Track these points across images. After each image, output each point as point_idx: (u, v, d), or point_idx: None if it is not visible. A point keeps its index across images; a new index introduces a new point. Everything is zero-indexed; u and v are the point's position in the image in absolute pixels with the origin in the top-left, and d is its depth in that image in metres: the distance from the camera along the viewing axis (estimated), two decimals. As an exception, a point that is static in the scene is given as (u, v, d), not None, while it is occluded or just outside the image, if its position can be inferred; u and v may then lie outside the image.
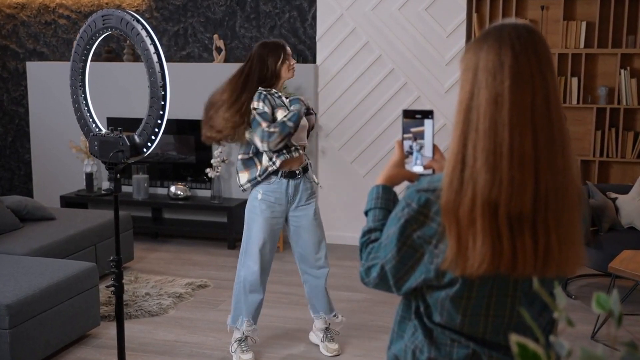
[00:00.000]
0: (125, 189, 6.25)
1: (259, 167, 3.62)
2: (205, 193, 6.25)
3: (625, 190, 5.09)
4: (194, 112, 6.16)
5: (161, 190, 6.37)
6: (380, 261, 1.48)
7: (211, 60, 6.30)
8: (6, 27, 6.87)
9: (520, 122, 1.31)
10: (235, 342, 3.81)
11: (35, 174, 6.76)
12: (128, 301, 4.54)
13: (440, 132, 5.44)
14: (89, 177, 6.33)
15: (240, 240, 5.97)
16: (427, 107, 5.45)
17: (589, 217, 4.66)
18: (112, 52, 6.53)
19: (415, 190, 1.42)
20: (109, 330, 4.11)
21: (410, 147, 1.60)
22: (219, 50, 6.20)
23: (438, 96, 5.75)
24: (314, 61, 6.02)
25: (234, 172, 6.15)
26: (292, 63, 3.64)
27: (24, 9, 6.80)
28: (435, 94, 5.76)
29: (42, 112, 6.64)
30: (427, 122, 1.59)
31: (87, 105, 2.99)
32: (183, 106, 6.07)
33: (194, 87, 6.12)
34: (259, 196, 3.65)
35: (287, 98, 3.68)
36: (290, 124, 3.50)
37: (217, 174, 5.99)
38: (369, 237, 1.54)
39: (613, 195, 5.03)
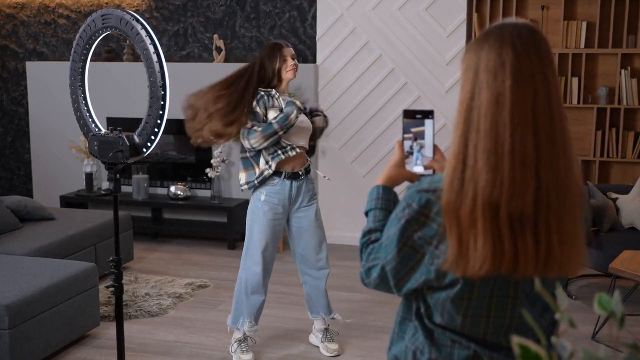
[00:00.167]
0: (125, 189, 6.24)
1: (256, 170, 3.62)
2: (205, 193, 6.24)
3: (625, 190, 5.08)
4: (194, 112, 6.16)
5: (161, 190, 6.36)
6: (380, 262, 1.47)
7: (211, 60, 6.30)
8: (6, 27, 6.86)
9: (521, 122, 1.31)
10: (235, 342, 3.80)
11: (35, 174, 6.76)
12: (128, 301, 4.53)
13: (441, 132, 5.44)
14: (89, 177, 6.32)
15: (240, 240, 6.00)
16: (427, 107, 5.45)
17: (590, 217, 4.66)
18: (112, 52, 6.52)
19: (415, 190, 1.41)
20: (109, 330, 4.10)
21: (411, 147, 1.59)
22: (219, 50, 6.20)
23: (438, 96, 5.75)
24: (314, 61, 6.01)
25: (234, 172, 6.15)
26: (290, 64, 3.62)
27: (23, 8, 6.79)
28: (435, 94, 5.76)
29: (41, 112, 6.63)
30: (428, 122, 1.59)
31: (86, 105, 2.99)
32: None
33: (194, 87, 6.08)
34: (262, 197, 3.65)
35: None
36: (275, 125, 3.50)
37: (217, 174, 5.99)
38: (369, 238, 1.53)
39: (613, 195, 5.02)
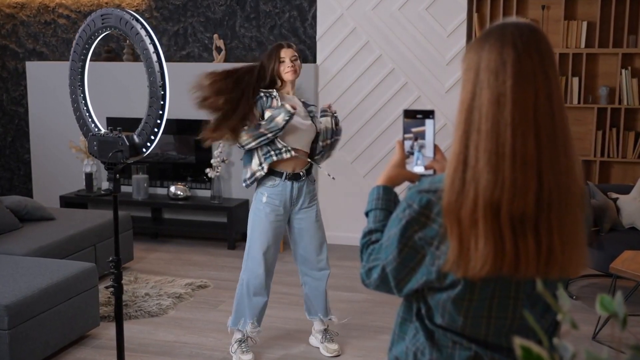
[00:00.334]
0: (125, 189, 6.23)
1: (248, 170, 3.62)
2: (205, 193, 6.23)
3: (626, 190, 5.08)
4: (194, 112, 6.13)
5: (161, 191, 6.36)
6: (381, 263, 1.46)
7: (211, 60, 6.29)
8: (6, 27, 6.86)
9: (522, 122, 1.30)
10: (235, 342, 3.80)
11: (35, 174, 6.75)
12: (128, 301, 4.53)
13: (441, 132, 5.43)
14: (89, 177, 6.32)
15: (240, 240, 5.99)
16: (427, 107, 5.44)
17: (591, 218, 4.65)
18: (111, 51, 6.52)
19: (416, 191, 1.40)
20: (109, 330, 4.10)
21: (411, 147, 1.58)
22: (219, 50, 6.19)
23: (438, 96, 5.74)
24: (314, 61, 6.01)
25: (234, 172, 6.15)
26: (287, 65, 3.61)
27: (23, 8, 6.79)
28: (435, 94, 5.75)
29: (41, 112, 6.62)
30: (428, 122, 1.58)
31: (86, 105, 2.98)
32: (183, 106, 6.01)
33: (193, 87, 6.09)
34: (264, 199, 3.64)
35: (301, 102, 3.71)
36: (261, 127, 3.50)
37: (217, 174, 5.98)
38: (370, 239, 1.53)
39: (614, 195, 5.02)
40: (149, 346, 3.97)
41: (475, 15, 5.69)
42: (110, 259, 2.90)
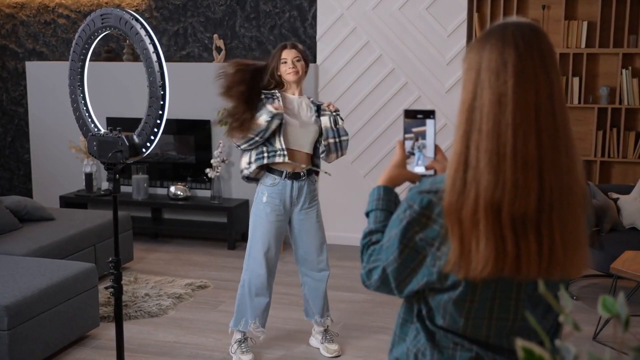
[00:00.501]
0: (124, 189, 6.23)
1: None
2: (205, 193, 6.23)
3: (626, 190, 5.07)
4: (194, 112, 6.16)
5: (161, 191, 6.35)
6: (381, 263, 1.46)
7: (211, 60, 6.28)
8: (5, 27, 6.85)
9: (524, 122, 1.29)
10: (235, 342, 3.80)
11: (35, 174, 6.75)
12: (127, 302, 4.52)
13: (441, 132, 5.43)
14: (89, 177, 6.31)
15: (240, 240, 5.99)
16: (428, 107, 5.43)
17: (593, 218, 4.64)
18: (111, 51, 6.51)
19: (417, 191, 1.40)
20: (108, 331, 4.09)
21: (412, 147, 1.58)
22: (218, 50, 6.18)
23: (439, 96, 5.73)
24: (314, 61, 6.00)
25: (234, 172, 6.14)
26: (288, 65, 3.60)
27: (23, 8, 6.78)
28: (435, 93, 5.74)
29: (41, 112, 6.62)
30: (429, 122, 1.57)
31: (85, 105, 2.97)
32: (183, 106, 6.05)
33: (193, 87, 6.10)
34: (264, 199, 3.64)
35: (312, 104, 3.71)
36: (249, 131, 3.52)
37: (217, 174, 5.97)
38: (370, 239, 1.52)
39: (614, 195, 5.01)
40: (149, 347, 3.96)
41: (475, 15, 5.68)
42: (110, 259, 2.89)
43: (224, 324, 4.17)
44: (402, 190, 1.46)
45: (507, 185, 1.29)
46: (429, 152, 1.57)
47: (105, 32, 2.85)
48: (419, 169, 1.57)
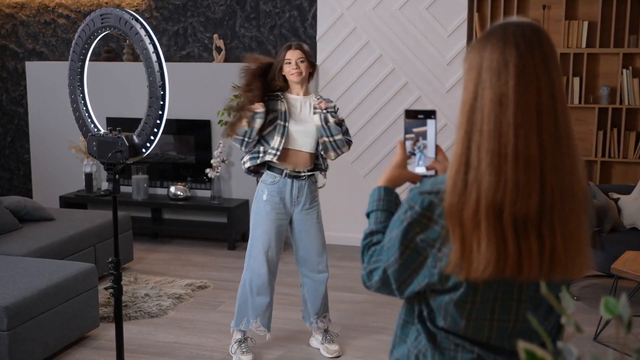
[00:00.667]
0: (124, 189, 6.22)
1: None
2: (205, 193, 6.22)
3: (627, 190, 5.07)
4: (194, 112, 6.15)
5: (161, 191, 6.34)
6: (382, 264, 1.45)
7: (211, 60, 6.28)
8: (5, 27, 6.85)
9: (525, 123, 1.29)
10: (235, 343, 3.80)
11: (35, 174, 6.74)
12: (127, 302, 4.52)
13: (441, 132, 5.42)
14: (89, 177, 6.30)
15: (240, 241, 5.98)
16: (428, 107, 5.43)
17: (594, 219, 4.63)
18: (111, 51, 6.50)
19: (418, 192, 1.39)
20: (108, 331, 4.09)
21: (413, 147, 1.57)
22: (218, 50, 6.18)
23: (439, 96, 5.73)
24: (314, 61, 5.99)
25: (234, 172, 6.14)
26: (293, 66, 3.59)
27: (23, 8, 6.77)
28: (436, 94, 5.74)
29: (41, 112, 6.61)
30: (430, 123, 1.56)
31: (85, 105, 2.97)
32: (183, 106, 6.05)
33: (193, 87, 6.10)
34: (264, 197, 3.65)
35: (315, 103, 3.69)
36: (237, 133, 3.57)
37: (217, 174, 5.97)
38: (371, 240, 1.51)
39: (615, 195, 5.00)
40: (149, 347, 3.96)
41: (475, 15, 5.67)
42: (110, 260, 2.89)
43: (224, 325, 4.16)
44: (403, 191, 1.46)
45: (509, 186, 1.28)
46: (430, 152, 1.56)
47: (105, 32, 2.84)
48: (420, 170, 1.57)
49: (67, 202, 6.26)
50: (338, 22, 5.85)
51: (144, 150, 2.82)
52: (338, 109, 3.75)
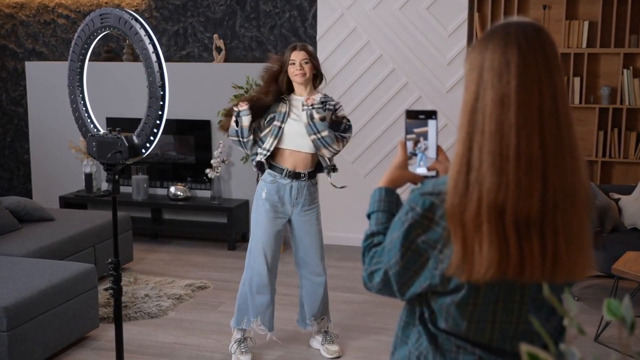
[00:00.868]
0: (124, 189, 6.22)
1: None
2: (205, 194, 6.22)
3: (628, 190, 5.06)
4: (194, 112, 6.15)
5: (161, 191, 6.34)
6: (383, 266, 1.44)
7: (211, 60, 6.27)
8: (5, 27, 6.84)
9: (527, 123, 1.28)
10: (235, 342, 3.79)
11: (34, 175, 6.73)
12: (127, 303, 4.51)
13: (442, 133, 5.41)
14: (88, 177, 6.30)
15: (240, 241, 5.98)
16: (428, 107, 5.42)
17: (596, 220, 4.63)
18: (111, 51, 6.50)
19: (419, 193, 1.38)
20: (108, 332, 4.08)
21: (414, 148, 1.56)
22: (218, 50, 6.17)
23: (439, 96, 5.72)
24: (315, 61, 5.98)
25: (234, 173, 6.13)
26: (297, 67, 3.57)
27: (23, 8, 6.77)
28: (436, 94, 5.73)
29: (41, 112, 6.61)
30: (431, 123, 1.56)
31: (85, 105, 2.96)
32: (183, 106, 6.04)
33: (193, 87, 6.09)
34: (263, 195, 3.67)
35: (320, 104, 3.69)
36: (228, 133, 3.66)
37: (217, 174, 5.96)
38: (372, 241, 1.50)
39: (616, 196, 5.00)
40: (149, 348, 3.95)
41: (476, 15, 5.67)
42: (110, 260, 2.88)
43: (224, 325, 4.16)
44: (404, 191, 1.45)
45: (511, 187, 1.27)
46: (431, 153, 1.56)
47: (104, 32, 2.84)
48: (421, 170, 1.56)
49: (67, 202, 6.25)
50: (338, 22, 5.84)
51: (143, 150, 2.81)
52: (340, 106, 3.72)
